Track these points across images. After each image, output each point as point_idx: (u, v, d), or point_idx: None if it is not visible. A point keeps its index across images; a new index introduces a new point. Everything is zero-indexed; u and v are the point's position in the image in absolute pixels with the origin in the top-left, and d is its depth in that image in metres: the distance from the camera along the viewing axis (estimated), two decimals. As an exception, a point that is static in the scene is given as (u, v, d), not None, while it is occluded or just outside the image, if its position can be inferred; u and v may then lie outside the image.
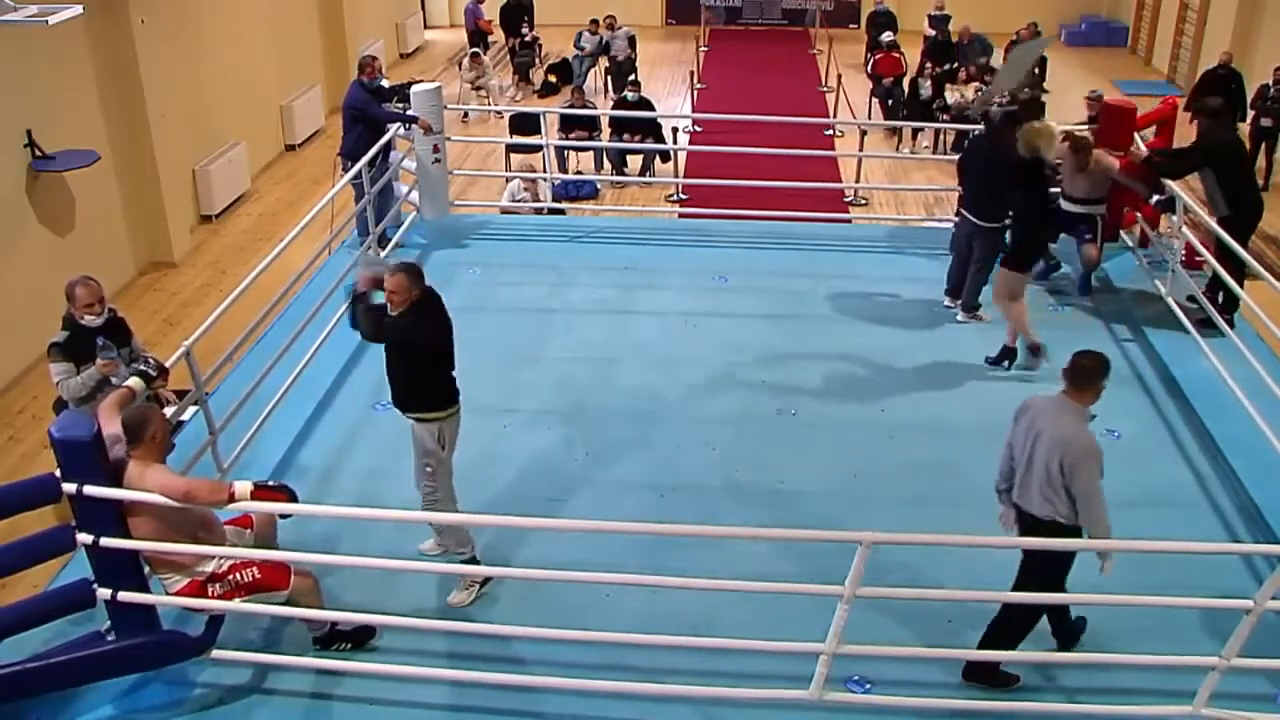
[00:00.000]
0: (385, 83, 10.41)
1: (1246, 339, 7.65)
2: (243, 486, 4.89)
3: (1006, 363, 8.11)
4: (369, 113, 9.69)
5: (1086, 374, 5.12)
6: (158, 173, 12.52)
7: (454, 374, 5.71)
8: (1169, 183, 8.70)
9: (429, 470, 5.70)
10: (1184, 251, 8.83)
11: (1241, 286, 7.99)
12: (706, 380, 7.94)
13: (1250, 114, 15.08)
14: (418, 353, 5.56)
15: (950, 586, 5.51)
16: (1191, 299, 8.49)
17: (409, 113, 9.97)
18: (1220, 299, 8.30)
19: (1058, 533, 5.07)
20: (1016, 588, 5.19)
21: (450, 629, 5.54)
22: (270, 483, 5.17)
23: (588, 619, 5.37)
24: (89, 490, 4.71)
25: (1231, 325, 7.94)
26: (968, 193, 8.78)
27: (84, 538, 4.85)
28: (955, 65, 17.79)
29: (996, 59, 17.75)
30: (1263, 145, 14.95)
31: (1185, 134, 8.89)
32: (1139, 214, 9.56)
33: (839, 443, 7.24)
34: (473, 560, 5.83)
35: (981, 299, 8.67)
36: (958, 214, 9.17)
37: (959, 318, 8.70)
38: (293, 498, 5.11)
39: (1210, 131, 8.41)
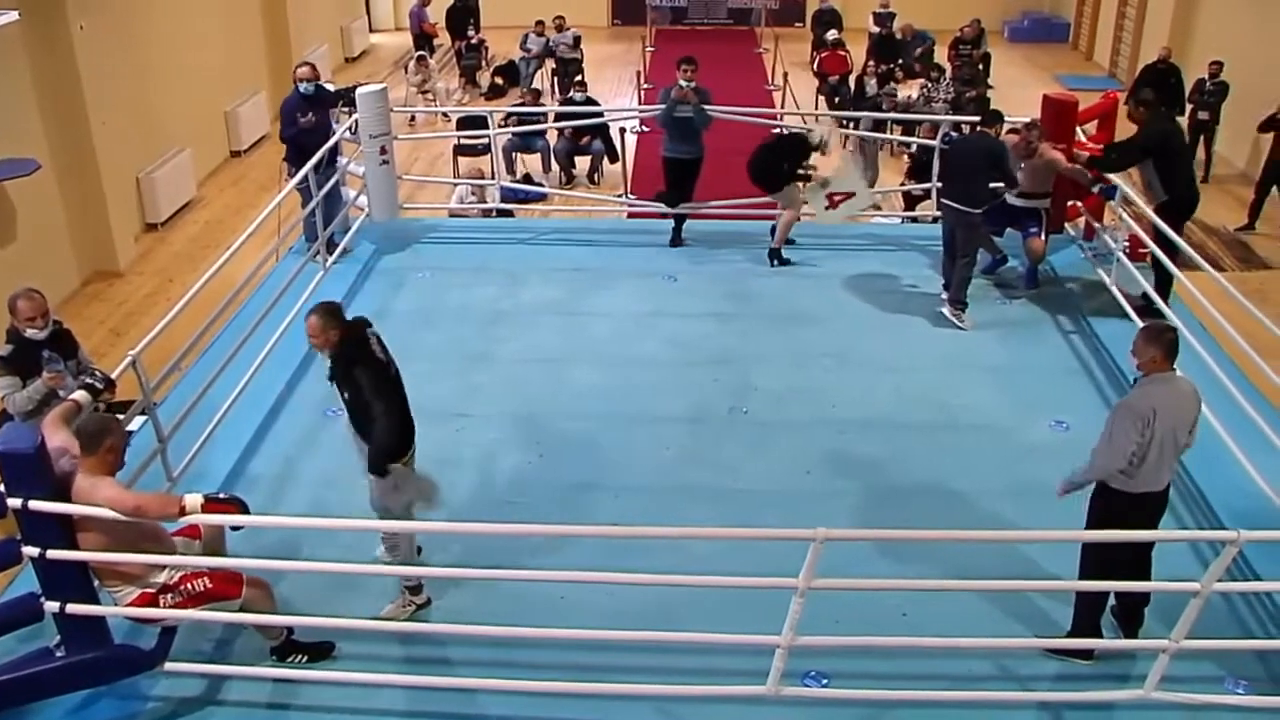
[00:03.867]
0: (331, 86, 10.33)
1: (1191, 328, 7.71)
2: (193, 500, 4.83)
3: None
4: (285, 120, 9.65)
5: (1176, 343, 5.35)
6: (101, 180, 12.33)
7: (406, 416, 5.49)
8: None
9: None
10: (1128, 242, 8.95)
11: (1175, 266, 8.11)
12: (659, 380, 7.95)
13: (1189, 108, 15.33)
14: (353, 403, 5.32)
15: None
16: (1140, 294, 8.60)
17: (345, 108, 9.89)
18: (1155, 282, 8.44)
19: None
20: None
21: (406, 630, 5.54)
22: (221, 494, 5.11)
23: (544, 621, 5.35)
24: (34, 506, 4.63)
25: (1166, 301, 8.07)
26: (949, 182, 8.89)
27: (30, 550, 4.77)
28: (899, 63, 17.95)
29: (939, 55, 17.94)
30: (1200, 138, 15.21)
31: (1126, 128, 9.02)
32: (1082, 206, 9.68)
33: (791, 440, 7.27)
34: (418, 588, 5.75)
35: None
36: (940, 207, 9.24)
37: (945, 311, 8.68)
38: (244, 509, 5.05)
39: (1150, 122, 8.58)
